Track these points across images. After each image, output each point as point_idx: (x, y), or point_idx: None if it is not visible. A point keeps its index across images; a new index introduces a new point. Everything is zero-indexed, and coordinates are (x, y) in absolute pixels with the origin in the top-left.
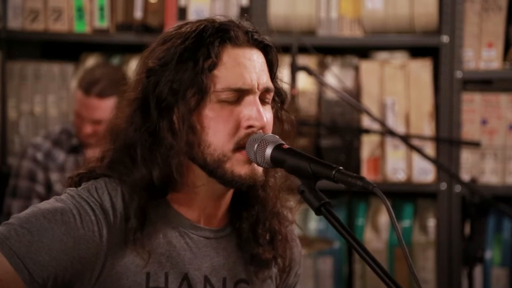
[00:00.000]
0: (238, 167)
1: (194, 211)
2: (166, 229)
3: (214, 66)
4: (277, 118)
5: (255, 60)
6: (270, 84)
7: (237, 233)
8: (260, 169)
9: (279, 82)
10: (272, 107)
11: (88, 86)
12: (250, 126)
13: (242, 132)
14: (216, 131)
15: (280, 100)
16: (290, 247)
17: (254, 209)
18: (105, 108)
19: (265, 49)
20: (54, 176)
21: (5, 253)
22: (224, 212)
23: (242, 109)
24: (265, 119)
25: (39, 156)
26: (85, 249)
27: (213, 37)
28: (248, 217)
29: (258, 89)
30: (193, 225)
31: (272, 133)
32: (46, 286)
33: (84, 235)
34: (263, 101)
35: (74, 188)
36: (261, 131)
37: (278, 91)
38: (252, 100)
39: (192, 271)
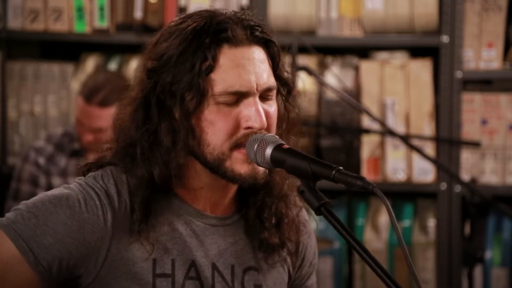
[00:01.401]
0: (238, 165)
1: (199, 201)
2: (171, 218)
3: (211, 69)
4: (284, 108)
5: (254, 58)
6: (271, 82)
7: (244, 219)
8: (261, 168)
9: (284, 73)
10: (277, 99)
11: (90, 94)
12: (249, 127)
13: (241, 132)
14: (215, 132)
15: (286, 90)
16: (298, 231)
17: (260, 194)
18: (106, 116)
19: (266, 44)
20: (56, 181)
21: (11, 236)
22: (230, 200)
23: (241, 109)
24: (264, 119)
25: (41, 160)
26: (90, 232)
27: (210, 38)
28: (254, 203)
29: (257, 90)
30: (199, 213)
31: (277, 124)
32: (51, 270)
33: (88, 218)
34: (265, 99)
35: (81, 177)
36: (261, 131)
37: (284, 82)
38: (251, 101)
39: (199, 258)
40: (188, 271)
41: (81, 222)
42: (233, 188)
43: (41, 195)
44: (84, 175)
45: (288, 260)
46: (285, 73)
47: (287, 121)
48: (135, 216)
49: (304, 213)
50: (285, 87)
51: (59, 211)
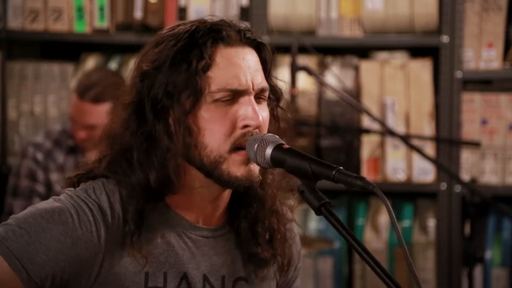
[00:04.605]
0: (234, 168)
1: (192, 212)
2: (164, 230)
3: (207, 67)
4: (272, 116)
5: (249, 59)
6: (265, 84)
7: (236, 231)
8: (256, 170)
9: (273, 80)
10: (268, 105)
11: (83, 91)
12: (245, 126)
13: (238, 132)
14: (213, 132)
15: (275, 97)
16: (289, 246)
17: (252, 207)
18: (99, 113)
19: (258, 47)
20: (54, 177)
21: (2, 253)
22: (222, 211)
23: (237, 109)
24: (260, 118)
25: (39, 156)
26: (83, 249)
27: (205, 37)
28: (246, 216)
29: (253, 89)
30: (192, 225)
31: (268, 131)
32: (44, 286)
33: (82, 235)
34: (258, 100)
35: (72, 189)
36: (257, 130)
37: (273, 89)
38: (248, 100)
39: (191, 270)
40: (180, 284)
41: (75, 238)
42: (226, 199)
43: (32, 208)
44: (74, 186)
45: (277, 271)
46: (274, 80)
47: (277, 129)
48: (127, 228)
49: (293, 225)
50: (274, 95)
51: (52, 227)
